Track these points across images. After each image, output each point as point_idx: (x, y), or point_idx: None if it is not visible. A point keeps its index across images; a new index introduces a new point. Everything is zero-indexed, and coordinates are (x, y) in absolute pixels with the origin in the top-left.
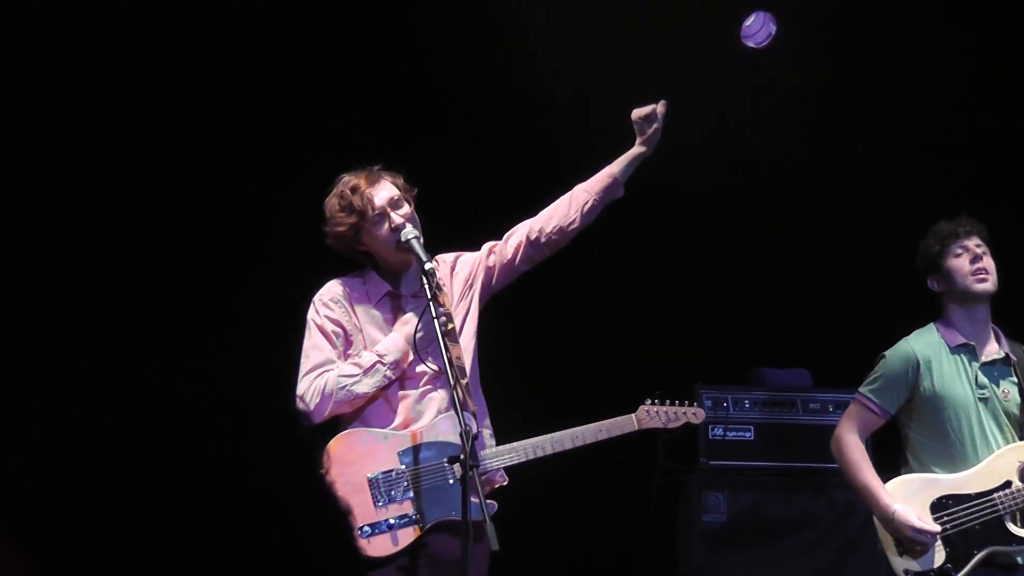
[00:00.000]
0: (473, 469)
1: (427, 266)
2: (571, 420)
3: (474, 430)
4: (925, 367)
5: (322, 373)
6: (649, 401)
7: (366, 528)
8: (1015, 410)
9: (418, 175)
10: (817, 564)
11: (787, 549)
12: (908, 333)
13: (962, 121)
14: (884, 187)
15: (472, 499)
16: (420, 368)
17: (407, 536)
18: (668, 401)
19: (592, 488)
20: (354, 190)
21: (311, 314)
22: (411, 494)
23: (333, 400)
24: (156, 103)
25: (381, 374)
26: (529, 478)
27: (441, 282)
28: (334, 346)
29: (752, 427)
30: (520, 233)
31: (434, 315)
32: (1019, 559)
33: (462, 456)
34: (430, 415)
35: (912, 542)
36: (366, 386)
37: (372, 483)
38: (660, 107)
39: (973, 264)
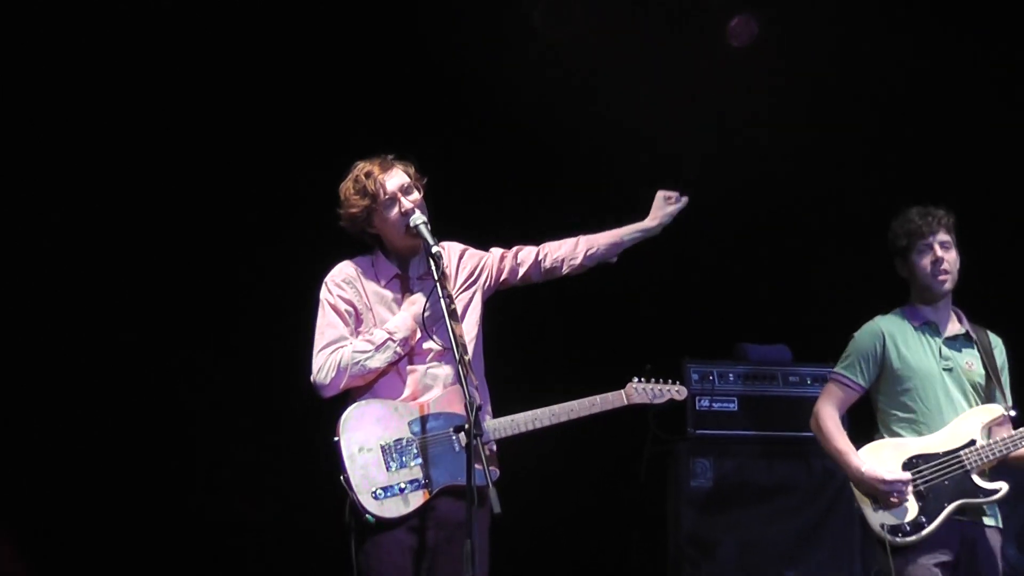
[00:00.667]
0: (477, 438)
1: (434, 250)
2: (568, 392)
3: (478, 402)
4: (891, 342)
5: (336, 349)
6: (637, 379)
7: (379, 491)
8: (979, 379)
9: (426, 168)
10: (796, 525)
11: (769, 511)
12: (879, 312)
13: (941, 110)
14: (860, 177)
15: (476, 466)
16: (427, 345)
17: (417, 499)
18: (654, 379)
19: (588, 456)
20: (368, 175)
21: (323, 294)
22: (420, 460)
23: (348, 374)
24: (187, 97)
25: (392, 350)
26: (530, 448)
27: (446, 267)
28: (346, 324)
29: (736, 399)
30: (530, 252)
31: (440, 295)
32: (987, 508)
33: (467, 425)
34: (437, 388)
35: (885, 495)
36: (378, 361)
37: (384, 450)
38: (684, 200)
39: (935, 265)
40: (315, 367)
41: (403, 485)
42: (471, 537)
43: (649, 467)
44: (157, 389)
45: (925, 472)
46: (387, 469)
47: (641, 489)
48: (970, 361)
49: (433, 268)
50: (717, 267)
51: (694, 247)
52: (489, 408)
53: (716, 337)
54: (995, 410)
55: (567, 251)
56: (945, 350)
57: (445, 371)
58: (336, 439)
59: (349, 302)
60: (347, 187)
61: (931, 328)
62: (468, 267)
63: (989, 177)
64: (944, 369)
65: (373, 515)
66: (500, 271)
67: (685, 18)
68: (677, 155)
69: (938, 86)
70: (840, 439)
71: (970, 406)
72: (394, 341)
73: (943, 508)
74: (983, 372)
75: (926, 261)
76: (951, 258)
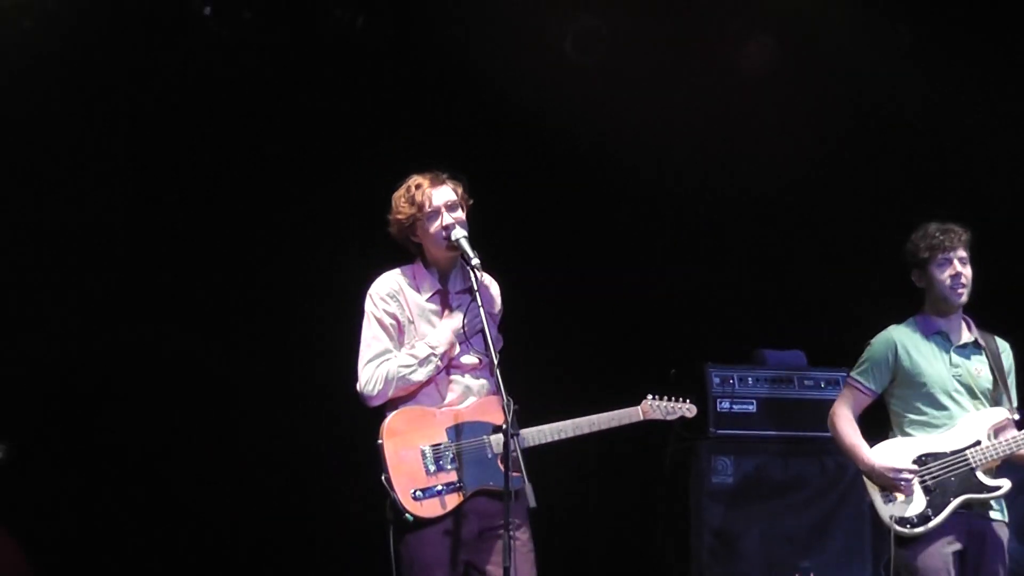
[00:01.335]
0: (514, 437)
1: (474, 261)
2: (594, 397)
3: (514, 406)
4: (904, 351)
5: (382, 362)
6: (652, 396)
7: (418, 492)
8: (986, 384)
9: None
10: (810, 518)
11: (785, 505)
12: (890, 320)
13: (951, 119)
14: (871, 188)
15: (513, 472)
16: (465, 358)
17: (453, 501)
18: (668, 397)
19: (616, 455)
20: (418, 187)
21: (369, 306)
22: (456, 464)
23: (394, 386)
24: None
25: (433, 364)
26: (561, 447)
27: (488, 288)
28: (391, 337)
29: (755, 401)
30: None
31: (480, 306)
32: (993, 503)
33: (504, 426)
34: (473, 398)
35: (894, 486)
36: (421, 375)
37: (424, 454)
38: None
39: (955, 279)
40: (362, 379)
41: (440, 487)
42: (507, 530)
43: (673, 464)
44: (203, 393)
45: (933, 468)
46: (426, 472)
47: (666, 485)
48: (978, 367)
49: (473, 280)
50: (738, 279)
51: (716, 260)
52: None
53: (736, 343)
54: (1001, 413)
55: None
56: (955, 358)
57: (480, 382)
58: (380, 442)
59: (393, 315)
60: (398, 195)
61: (943, 337)
62: (497, 301)
63: (998, 188)
64: (954, 376)
65: (412, 514)
66: None
67: (701, 42)
68: (693, 166)
69: (950, 102)
70: (853, 435)
71: (977, 409)
72: (436, 355)
73: (949, 502)
74: (991, 377)
75: (946, 274)
76: (968, 273)
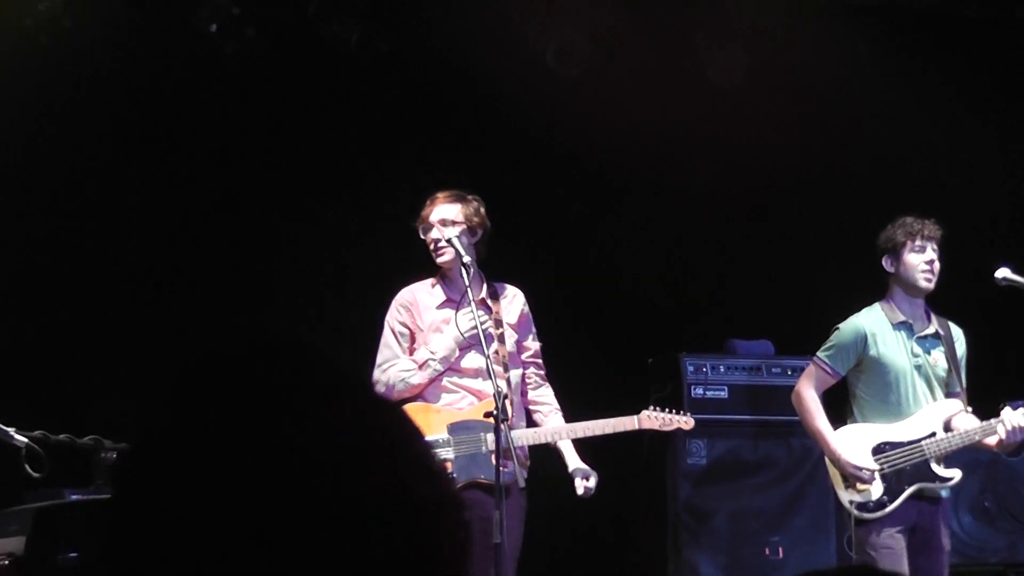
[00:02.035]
0: (504, 422)
1: (465, 259)
2: (580, 387)
3: (504, 391)
4: (872, 339)
5: (387, 368)
6: (652, 407)
7: None
8: (943, 374)
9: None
10: (778, 496)
11: (754, 484)
12: (852, 312)
13: (905, 126)
14: (831, 193)
15: (505, 463)
16: (467, 361)
17: None
18: (667, 409)
19: (597, 439)
20: (431, 201)
21: (388, 315)
22: (452, 457)
23: (396, 390)
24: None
25: (431, 368)
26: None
27: (502, 298)
28: (400, 345)
29: (726, 387)
30: (531, 379)
31: (472, 308)
32: (942, 492)
33: (495, 412)
34: (474, 399)
35: (854, 477)
36: (420, 378)
37: None
38: (590, 484)
39: (928, 264)
40: (372, 381)
41: None
42: (500, 509)
43: (651, 447)
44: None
45: (892, 456)
46: None
47: (644, 465)
48: (936, 357)
49: (464, 276)
50: (710, 274)
51: (690, 260)
52: (523, 422)
53: (709, 334)
54: (954, 406)
55: (539, 406)
56: (916, 348)
57: (484, 385)
58: None
59: (404, 324)
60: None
61: (906, 327)
62: (520, 320)
63: (963, 185)
64: (915, 366)
65: None
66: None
67: (676, 53)
68: (668, 170)
69: (904, 110)
70: (820, 420)
71: (935, 398)
72: (435, 360)
73: (904, 490)
74: (947, 366)
75: (920, 259)
76: (938, 265)
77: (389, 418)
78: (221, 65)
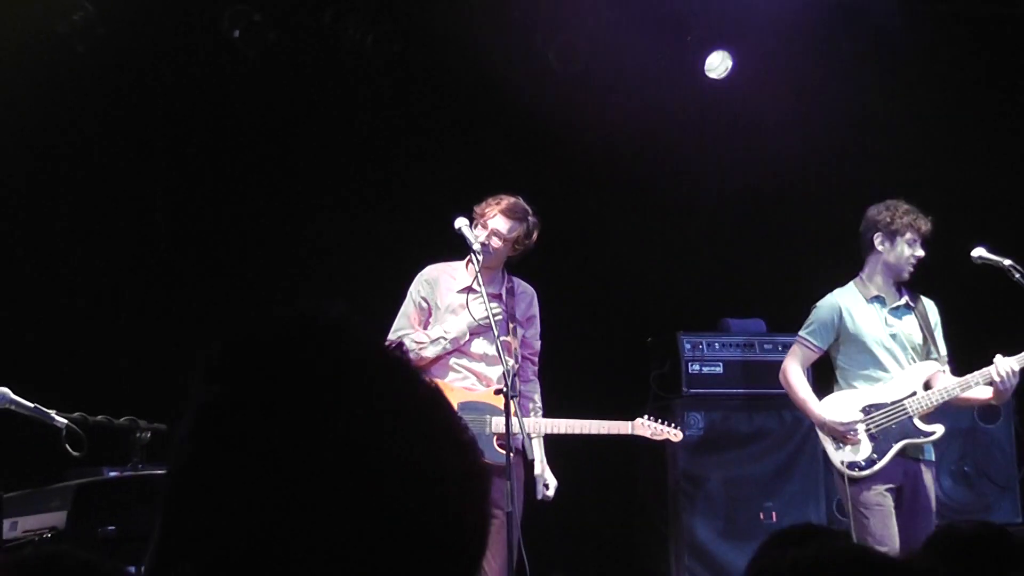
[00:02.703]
0: (513, 399)
1: (475, 246)
2: (584, 365)
3: (515, 368)
4: (847, 313)
5: (403, 335)
6: (646, 416)
7: None
8: (917, 341)
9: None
10: (771, 464)
11: (749, 454)
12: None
13: (885, 118)
14: (819, 181)
15: (515, 434)
16: (475, 348)
17: None
18: (659, 420)
19: (600, 414)
20: (496, 202)
21: (412, 286)
22: None
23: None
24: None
25: (441, 346)
26: (556, 405)
27: (513, 288)
28: (417, 316)
29: (721, 363)
30: (525, 370)
31: (484, 297)
32: (926, 447)
33: (504, 388)
34: (483, 383)
35: (844, 436)
36: (430, 352)
37: None
38: (549, 493)
39: (916, 259)
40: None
41: None
42: (510, 479)
43: (651, 419)
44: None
45: (877, 417)
46: None
47: (645, 439)
48: (910, 327)
49: (473, 262)
50: (705, 257)
51: (686, 242)
52: (530, 411)
53: (705, 312)
54: (932, 366)
55: (532, 397)
56: (890, 318)
57: (493, 371)
58: None
59: (424, 299)
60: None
61: (879, 300)
62: (528, 319)
63: (948, 172)
64: (890, 335)
65: None
66: (518, 344)
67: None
68: (666, 160)
69: (885, 104)
70: (805, 391)
71: (911, 363)
72: (445, 339)
73: (891, 447)
74: (921, 335)
75: (910, 252)
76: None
77: (426, 390)
78: (246, 66)
